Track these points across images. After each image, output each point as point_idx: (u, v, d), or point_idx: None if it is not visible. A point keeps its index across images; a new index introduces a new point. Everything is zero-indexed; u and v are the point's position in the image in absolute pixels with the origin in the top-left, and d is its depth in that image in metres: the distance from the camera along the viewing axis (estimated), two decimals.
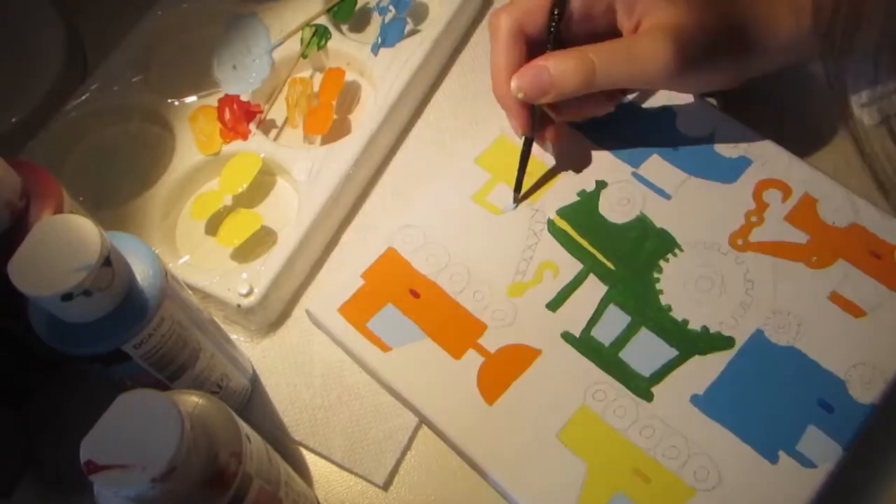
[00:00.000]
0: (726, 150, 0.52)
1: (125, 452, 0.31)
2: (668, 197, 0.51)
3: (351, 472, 0.47)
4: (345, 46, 0.59)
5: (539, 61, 0.47)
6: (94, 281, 0.35)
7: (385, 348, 0.48)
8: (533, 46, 0.49)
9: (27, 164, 0.44)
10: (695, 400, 0.45)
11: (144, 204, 0.54)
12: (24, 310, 0.39)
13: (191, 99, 0.58)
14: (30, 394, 0.51)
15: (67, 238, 0.36)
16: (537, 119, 0.51)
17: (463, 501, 0.46)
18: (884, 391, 0.44)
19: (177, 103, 0.58)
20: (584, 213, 0.51)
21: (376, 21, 0.61)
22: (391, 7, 0.59)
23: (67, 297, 0.35)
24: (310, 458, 0.48)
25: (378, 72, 0.57)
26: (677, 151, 0.53)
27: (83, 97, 0.58)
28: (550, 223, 0.51)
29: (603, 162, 0.53)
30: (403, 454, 0.48)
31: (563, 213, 0.51)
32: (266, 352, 0.51)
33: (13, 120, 0.58)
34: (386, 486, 0.47)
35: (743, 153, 0.52)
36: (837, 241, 0.49)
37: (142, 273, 0.39)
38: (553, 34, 0.48)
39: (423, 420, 0.47)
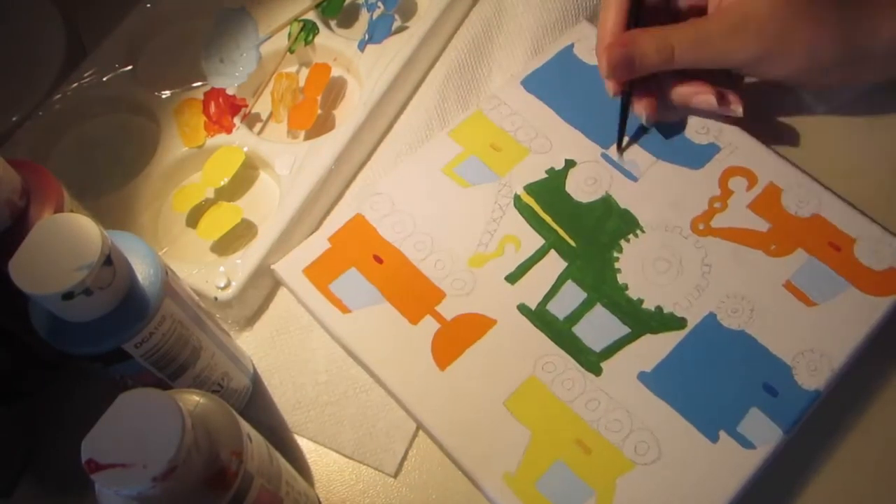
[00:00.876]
0: (696, 136, 0.53)
1: (126, 451, 0.32)
2: (634, 179, 0.52)
3: (362, 463, 0.48)
4: (332, 42, 0.60)
5: (624, 39, 0.50)
6: (94, 280, 0.36)
7: (345, 310, 0.49)
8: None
9: (27, 163, 0.44)
10: (642, 377, 0.46)
11: (127, 195, 0.54)
12: (25, 309, 0.39)
13: (177, 91, 0.58)
14: (30, 393, 0.51)
15: (68, 237, 0.36)
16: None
17: (464, 494, 0.46)
18: (829, 379, 0.45)
19: (163, 95, 0.58)
20: (550, 190, 0.52)
21: (364, 17, 0.62)
22: (379, 3, 0.60)
23: (68, 295, 0.35)
24: (311, 458, 0.49)
25: (364, 68, 0.58)
26: (647, 135, 0.54)
27: (71, 87, 0.58)
28: (517, 198, 0.52)
29: (573, 141, 0.54)
30: (411, 443, 0.48)
31: (530, 188, 0.52)
32: (267, 349, 0.51)
33: (13, 119, 0.58)
34: (396, 474, 0.47)
35: (713, 140, 0.53)
36: (798, 231, 0.49)
37: (142, 272, 0.39)
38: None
39: (378, 381, 0.48)
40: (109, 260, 0.36)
